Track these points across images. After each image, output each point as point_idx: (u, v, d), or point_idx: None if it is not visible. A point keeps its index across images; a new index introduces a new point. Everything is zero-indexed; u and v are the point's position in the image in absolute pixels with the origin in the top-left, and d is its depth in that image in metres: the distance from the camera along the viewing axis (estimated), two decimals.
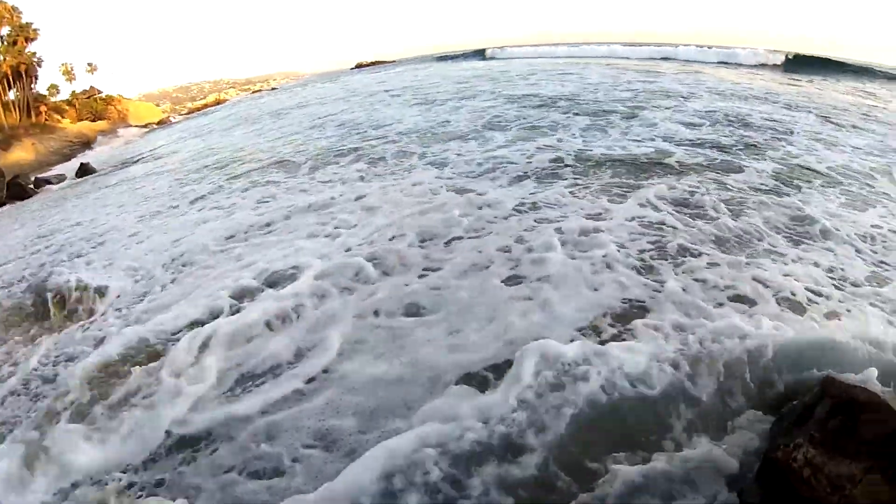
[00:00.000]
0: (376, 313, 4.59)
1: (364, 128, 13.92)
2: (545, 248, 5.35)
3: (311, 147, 12.61)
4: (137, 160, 24.32)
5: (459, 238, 5.91)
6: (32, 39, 66.07)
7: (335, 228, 6.67)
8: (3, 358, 5.18)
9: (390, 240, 6.01)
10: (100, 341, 4.99)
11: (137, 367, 4.24)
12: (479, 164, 8.72)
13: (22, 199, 21.79)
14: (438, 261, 5.37)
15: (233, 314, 4.84)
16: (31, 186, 23.58)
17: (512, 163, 8.74)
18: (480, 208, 6.68)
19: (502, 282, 4.90)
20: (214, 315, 4.85)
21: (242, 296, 5.19)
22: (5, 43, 62.65)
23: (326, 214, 7.22)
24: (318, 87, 43.68)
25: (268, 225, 7.38)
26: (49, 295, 6.24)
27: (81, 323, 5.62)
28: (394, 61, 76.59)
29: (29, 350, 5.19)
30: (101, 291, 6.17)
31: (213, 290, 5.39)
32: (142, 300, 5.87)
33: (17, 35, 63.68)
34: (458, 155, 9.51)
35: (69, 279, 6.47)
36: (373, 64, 76.41)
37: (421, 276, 5.12)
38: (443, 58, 58.99)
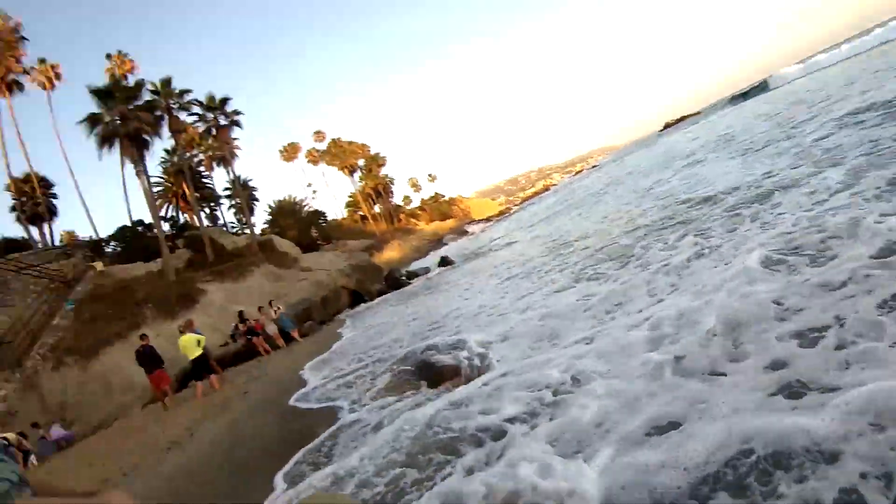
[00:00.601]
0: None
1: (683, 194, 11.74)
2: None
3: (638, 221, 11.25)
4: (484, 252, 26.46)
5: None
6: (382, 165, 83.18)
7: None
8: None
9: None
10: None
11: None
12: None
13: (399, 287, 25.61)
14: None
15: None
16: (404, 278, 27.61)
17: None
18: None
19: None
20: None
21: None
22: (363, 171, 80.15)
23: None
24: (633, 157, 43.08)
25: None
26: (433, 359, 6.75)
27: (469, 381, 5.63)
28: (698, 112, 72.06)
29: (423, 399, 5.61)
30: (482, 357, 6.23)
31: None
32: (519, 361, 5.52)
33: (371, 164, 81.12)
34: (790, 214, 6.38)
35: (451, 346, 7.10)
36: (679, 120, 73.59)
37: None
38: (734, 98, 52.85)
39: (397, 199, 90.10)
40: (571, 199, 33.01)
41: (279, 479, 4.99)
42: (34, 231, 37.33)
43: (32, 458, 12.46)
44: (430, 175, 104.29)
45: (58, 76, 38.78)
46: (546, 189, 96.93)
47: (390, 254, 54.03)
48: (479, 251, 28.64)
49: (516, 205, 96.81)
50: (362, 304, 24.20)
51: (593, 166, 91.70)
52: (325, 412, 6.94)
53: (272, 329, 17.59)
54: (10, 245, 31.34)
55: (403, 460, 4.26)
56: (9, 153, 36.37)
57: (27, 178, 37.17)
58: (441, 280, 21.65)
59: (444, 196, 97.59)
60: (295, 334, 17.90)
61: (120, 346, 16.18)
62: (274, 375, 12.04)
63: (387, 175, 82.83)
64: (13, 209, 37.16)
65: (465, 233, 65.26)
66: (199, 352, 12.46)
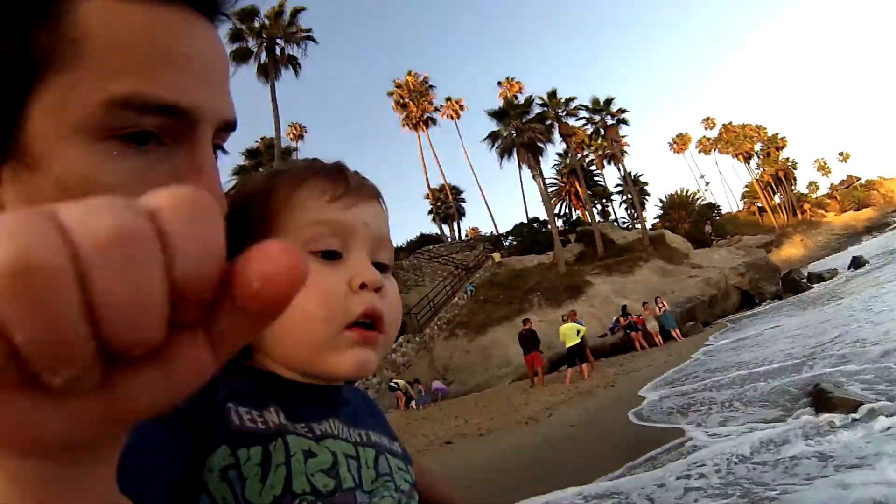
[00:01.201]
0: None
1: None
2: None
3: None
4: None
5: None
6: (782, 148, 71.88)
7: None
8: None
9: None
10: None
11: None
12: None
13: (797, 291, 21.56)
14: None
15: None
16: (805, 280, 23.11)
17: None
18: None
19: None
20: None
21: None
22: (760, 157, 70.08)
23: None
24: None
25: None
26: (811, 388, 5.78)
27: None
28: None
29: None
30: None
31: None
32: None
33: (769, 147, 70.57)
34: None
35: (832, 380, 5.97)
36: None
37: None
38: None
39: (801, 187, 76.57)
40: None
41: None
42: (445, 229, 48.78)
43: (413, 403, 15.47)
44: (840, 154, 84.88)
45: (462, 107, 50.16)
46: None
47: (790, 251, 46.26)
48: None
49: None
50: (751, 309, 21.25)
51: None
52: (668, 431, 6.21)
53: (652, 325, 17.17)
54: (425, 239, 41.90)
55: None
56: (428, 171, 49.05)
57: (441, 188, 48.98)
58: (847, 287, 17.62)
59: (859, 179, 78.18)
60: (675, 333, 17.08)
61: (505, 326, 18.05)
62: (646, 374, 11.59)
63: (788, 159, 71.15)
64: (430, 212, 50.31)
65: (887, 225, 50.57)
66: (576, 341, 12.89)
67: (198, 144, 0.43)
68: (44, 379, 0.16)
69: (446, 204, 48.51)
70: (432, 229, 49.17)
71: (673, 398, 8.00)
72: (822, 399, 5.32)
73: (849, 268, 24.98)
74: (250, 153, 32.76)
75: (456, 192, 49.98)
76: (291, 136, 43.74)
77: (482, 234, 46.39)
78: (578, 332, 12.92)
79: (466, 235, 49.33)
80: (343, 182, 0.56)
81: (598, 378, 12.24)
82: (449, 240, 41.96)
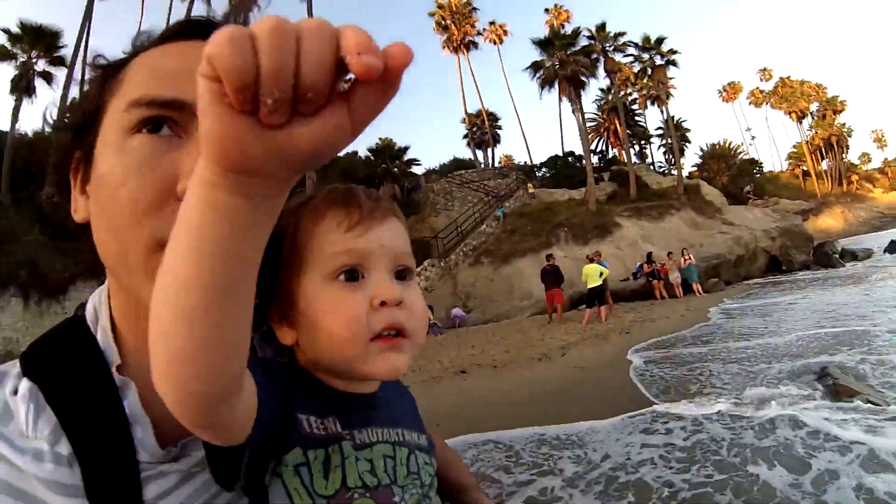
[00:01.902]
0: None
1: None
2: None
3: None
4: None
5: None
6: (840, 111, 68.29)
7: None
8: None
9: None
10: None
11: None
12: None
13: (827, 265, 21.26)
14: None
15: None
16: (837, 256, 22.67)
17: None
18: None
19: None
20: None
21: None
22: (815, 118, 66.77)
23: None
24: None
25: None
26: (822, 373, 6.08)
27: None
28: None
29: None
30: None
31: None
32: None
33: (826, 109, 66.98)
34: None
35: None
36: None
37: None
38: None
39: (852, 156, 73.38)
40: None
41: None
42: (479, 154, 47.90)
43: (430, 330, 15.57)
44: None
45: (505, 32, 48.04)
46: None
47: (829, 222, 45.05)
48: None
49: None
50: (776, 276, 21.10)
51: None
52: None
53: (675, 277, 17.10)
54: (458, 163, 41.94)
55: None
56: (466, 95, 49.49)
57: (479, 114, 47.93)
58: (877, 271, 17.45)
59: None
60: (696, 287, 17.06)
61: (530, 258, 18.01)
62: (661, 325, 11.74)
63: (844, 124, 67.62)
64: (465, 136, 49.32)
65: None
66: (598, 282, 12.92)
67: None
68: (260, 108, 0.28)
69: (482, 130, 47.48)
70: (466, 154, 48.76)
71: (665, 366, 7.97)
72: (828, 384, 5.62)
73: (885, 251, 24.40)
74: None
75: (493, 118, 48.95)
76: None
77: (516, 162, 45.50)
78: (601, 273, 12.93)
79: (500, 163, 48.45)
80: (357, 210, 0.63)
81: (614, 322, 12.38)
82: (482, 166, 41.40)
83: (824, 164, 66.00)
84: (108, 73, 0.62)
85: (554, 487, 4.24)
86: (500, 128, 51.08)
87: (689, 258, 17.43)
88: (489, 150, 48.27)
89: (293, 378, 0.62)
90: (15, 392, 0.56)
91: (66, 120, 0.65)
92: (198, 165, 0.32)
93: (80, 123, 0.62)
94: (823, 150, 65.44)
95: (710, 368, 7.48)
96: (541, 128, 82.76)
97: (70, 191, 0.64)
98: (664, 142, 46.78)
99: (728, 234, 22.30)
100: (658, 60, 33.23)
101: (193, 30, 0.63)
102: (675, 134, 37.07)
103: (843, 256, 23.28)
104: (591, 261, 13.62)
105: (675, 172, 33.50)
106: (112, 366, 0.60)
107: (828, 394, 5.47)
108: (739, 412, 5.33)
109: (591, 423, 5.51)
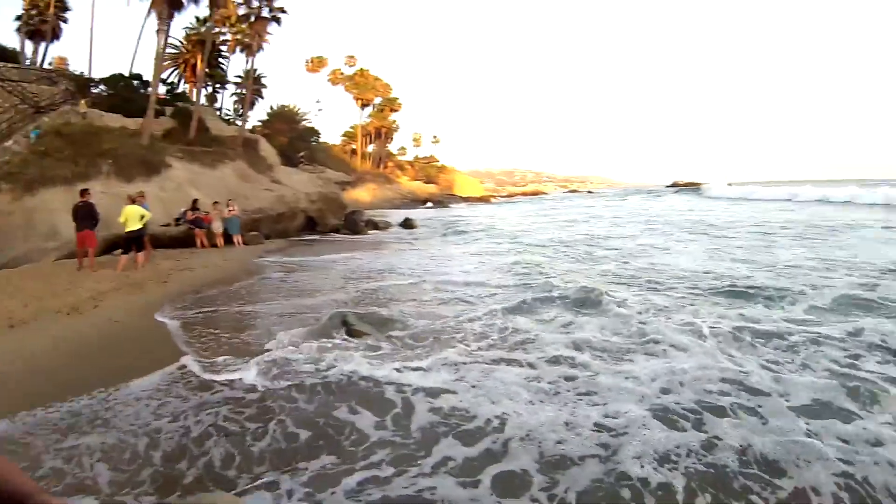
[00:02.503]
0: None
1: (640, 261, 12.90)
2: None
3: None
4: (453, 230, 26.67)
5: None
6: (395, 111, 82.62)
7: None
8: None
9: None
10: None
11: None
12: None
13: (355, 231, 25.78)
14: None
15: None
16: (363, 224, 27.61)
17: None
18: None
19: None
20: None
21: None
22: (375, 109, 79.66)
23: None
24: (634, 202, 45.92)
25: None
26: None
27: None
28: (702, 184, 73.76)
29: None
30: None
31: None
32: None
33: (385, 105, 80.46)
34: None
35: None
36: (689, 185, 75.31)
37: None
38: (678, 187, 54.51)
39: (394, 147, 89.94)
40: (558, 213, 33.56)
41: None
42: (29, 48, 37.54)
43: None
44: (435, 137, 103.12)
45: None
46: (535, 194, 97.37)
47: (361, 195, 54.07)
48: (452, 228, 28.87)
49: (502, 196, 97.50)
50: (313, 235, 24.57)
51: (589, 191, 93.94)
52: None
53: (217, 227, 17.78)
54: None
55: None
56: None
57: None
58: (393, 241, 22.22)
59: (437, 161, 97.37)
60: (237, 239, 18.12)
61: (62, 190, 15.28)
62: (201, 274, 12.17)
63: (395, 121, 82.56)
64: (19, 17, 37.09)
65: (440, 203, 64.91)
66: (138, 226, 12.50)
67: None
68: None
69: (43, 15, 37.41)
70: (12, 42, 36.55)
71: (205, 319, 8.05)
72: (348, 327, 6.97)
73: (400, 225, 31.02)
74: None
75: (61, 6, 38.75)
76: None
77: (70, 69, 36.91)
78: (143, 217, 12.53)
79: (51, 64, 39.08)
80: None
81: (151, 270, 12.04)
82: (28, 63, 33.28)
83: (370, 148, 79.58)
84: None
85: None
86: (65, 20, 39.87)
87: (234, 209, 18.33)
88: (43, 46, 38.17)
89: None
90: None
91: None
92: None
93: None
94: (373, 136, 79.15)
95: (252, 321, 7.85)
96: (116, 37, 70.23)
97: None
98: (239, 91, 47.03)
99: (274, 191, 24.41)
100: (265, 13, 33.21)
101: None
102: (252, 87, 37.91)
103: (367, 225, 28.44)
104: (134, 202, 12.81)
105: (239, 123, 34.48)
106: None
107: (348, 335, 6.76)
108: (291, 358, 5.83)
109: (128, 388, 5.13)
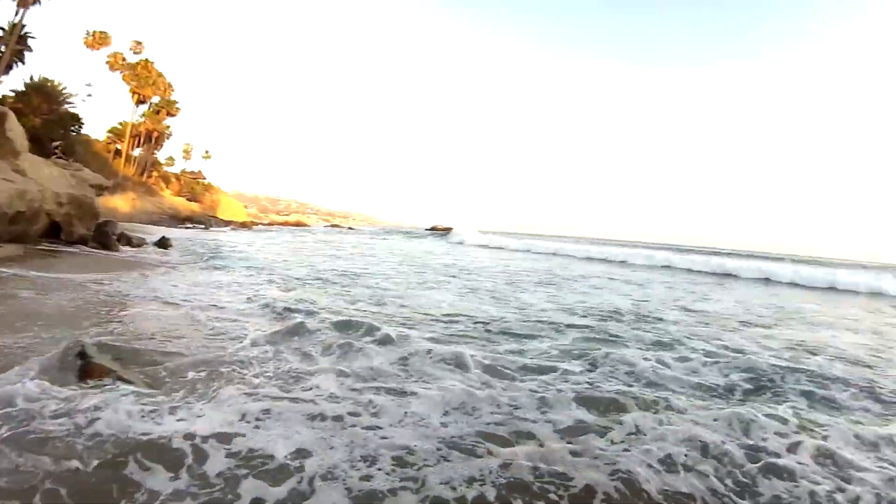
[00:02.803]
0: None
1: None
2: None
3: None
4: (216, 255, 24.91)
5: None
6: (173, 115, 74.82)
7: None
8: None
9: None
10: None
11: None
12: None
13: (105, 246, 22.30)
14: None
15: None
16: (115, 237, 24.09)
17: None
18: None
19: None
20: None
21: None
22: (151, 109, 71.35)
23: None
24: (393, 241, 47.04)
25: None
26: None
27: None
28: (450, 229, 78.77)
29: None
30: None
31: None
32: None
33: (163, 107, 72.59)
34: None
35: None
36: (446, 230, 79.42)
37: None
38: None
39: (162, 155, 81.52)
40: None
41: None
42: None
43: None
44: (207, 152, 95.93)
45: None
46: (298, 225, 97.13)
47: (120, 204, 47.79)
48: (216, 254, 27.14)
49: (264, 223, 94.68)
50: (56, 244, 20.96)
51: (350, 227, 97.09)
52: None
53: None
54: None
55: None
56: None
57: None
58: (153, 262, 20.13)
59: (205, 179, 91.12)
60: None
61: None
62: None
63: (169, 126, 74.85)
64: None
65: (201, 224, 60.09)
66: None
67: None
68: None
69: None
70: None
71: None
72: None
73: (155, 244, 27.88)
74: None
75: None
76: None
77: None
78: None
79: None
80: None
81: None
82: None
83: (137, 152, 70.18)
84: None
85: None
86: None
87: None
88: None
89: None
90: None
91: None
92: None
93: None
94: (143, 139, 69.84)
95: None
96: None
97: None
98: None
99: (16, 183, 20.38)
100: None
101: None
102: (15, 47, 31.59)
103: (119, 239, 24.90)
104: None
105: None
106: None
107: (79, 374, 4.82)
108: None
109: None
